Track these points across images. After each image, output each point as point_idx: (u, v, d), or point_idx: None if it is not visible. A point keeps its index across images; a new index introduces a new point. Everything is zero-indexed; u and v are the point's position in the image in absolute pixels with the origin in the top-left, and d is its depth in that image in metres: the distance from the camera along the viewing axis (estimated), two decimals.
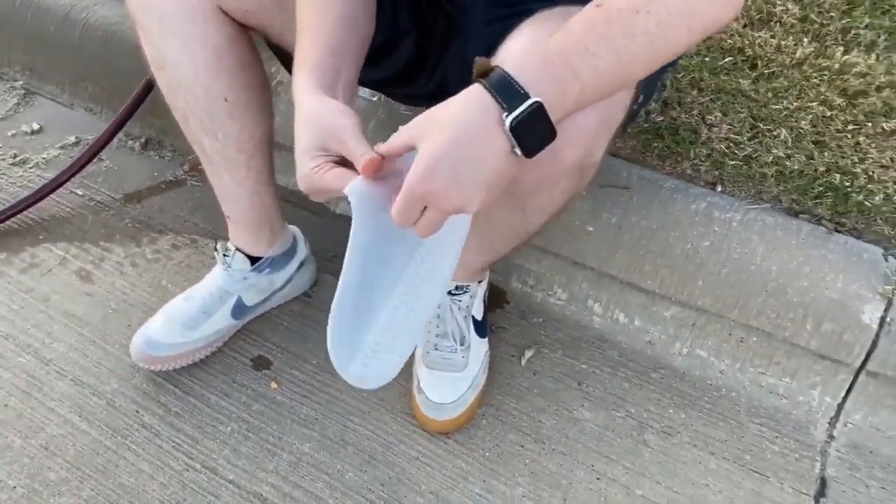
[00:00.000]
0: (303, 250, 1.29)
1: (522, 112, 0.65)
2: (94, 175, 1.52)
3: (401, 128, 0.72)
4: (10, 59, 1.74)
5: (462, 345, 1.16)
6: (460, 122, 0.67)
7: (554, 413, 1.18)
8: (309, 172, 0.74)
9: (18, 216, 1.41)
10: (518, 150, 0.67)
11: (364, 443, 1.13)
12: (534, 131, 0.67)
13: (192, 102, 1.02)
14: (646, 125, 1.33)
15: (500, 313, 1.32)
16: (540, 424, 1.16)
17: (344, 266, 0.72)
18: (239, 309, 1.22)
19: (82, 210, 1.46)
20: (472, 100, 0.67)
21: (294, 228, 1.29)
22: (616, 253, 1.25)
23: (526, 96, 0.65)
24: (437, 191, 0.66)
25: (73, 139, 1.60)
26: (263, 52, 1.07)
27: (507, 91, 0.66)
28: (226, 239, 1.22)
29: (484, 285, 1.22)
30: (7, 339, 1.23)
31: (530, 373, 1.23)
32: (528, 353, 1.25)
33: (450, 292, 1.17)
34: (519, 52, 0.71)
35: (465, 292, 1.17)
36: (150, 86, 1.41)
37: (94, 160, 1.48)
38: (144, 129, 1.60)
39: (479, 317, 1.20)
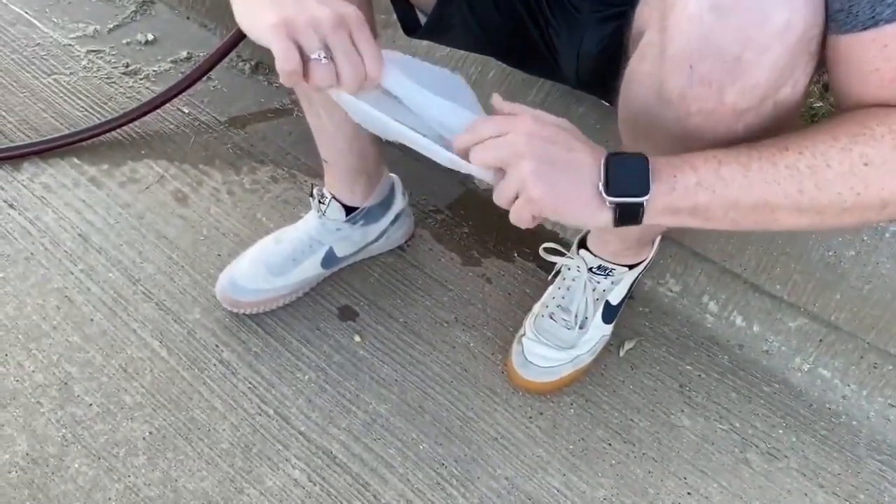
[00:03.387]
0: (400, 202, 1.21)
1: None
2: (202, 94, 1.48)
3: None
4: None
5: (581, 328, 1.07)
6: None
7: (649, 414, 1.08)
8: (325, 74, 0.67)
9: (123, 128, 1.39)
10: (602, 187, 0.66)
11: (443, 413, 1.07)
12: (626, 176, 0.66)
13: None
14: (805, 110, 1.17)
15: None
16: (632, 424, 1.07)
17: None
18: (329, 259, 1.16)
19: (186, 129, 1.42)
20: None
21: (393, 176, 1.21)
22: (745, 249, 1.13)
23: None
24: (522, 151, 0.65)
25: (185, 54, 1.56)
26: None
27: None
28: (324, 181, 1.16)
29: (636, 272, 1.11)
30: (100, 253, 1.22)
31: (628, 366, 1.13)
32: (628, 345, 1.15)
33: (591, 269, 1.07)
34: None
35: (608, 276, 1.07)
36: None
37: (203, 79, 1.44)
38: (255, 52, 1.55)
39: (614, 302, 1.10)
